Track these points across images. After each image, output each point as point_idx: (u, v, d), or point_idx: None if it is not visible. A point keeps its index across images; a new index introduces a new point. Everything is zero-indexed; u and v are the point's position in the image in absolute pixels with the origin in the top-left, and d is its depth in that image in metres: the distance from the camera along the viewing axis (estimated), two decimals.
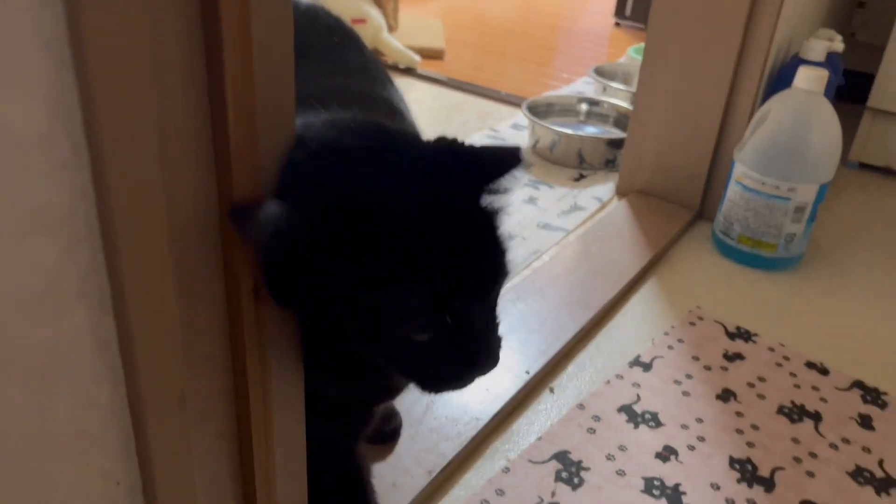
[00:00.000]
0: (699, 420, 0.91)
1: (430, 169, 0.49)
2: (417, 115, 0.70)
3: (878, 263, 1.30)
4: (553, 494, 0.79)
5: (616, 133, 1.67)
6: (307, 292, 0.47)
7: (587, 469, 0.83)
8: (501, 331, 0.53)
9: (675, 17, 1.26)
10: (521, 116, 1.71)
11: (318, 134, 0.49)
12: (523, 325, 1.03)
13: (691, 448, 0.87)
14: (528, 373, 0.94)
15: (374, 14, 2.12)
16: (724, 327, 1.09)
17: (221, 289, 0.44)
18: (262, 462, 0.51)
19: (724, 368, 1.01)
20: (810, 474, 0.85)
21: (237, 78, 0.39)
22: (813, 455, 0.87)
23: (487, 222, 0.50)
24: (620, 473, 0.83)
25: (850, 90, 1.51)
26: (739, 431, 0.90)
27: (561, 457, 0.84)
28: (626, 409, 0.92)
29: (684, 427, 0.90)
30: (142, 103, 0.35)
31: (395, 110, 0.66)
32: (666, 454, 0.86)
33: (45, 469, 0.39)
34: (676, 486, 0.82)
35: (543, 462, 0.83)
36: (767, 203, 1.18)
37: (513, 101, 1.90)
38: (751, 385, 0.98)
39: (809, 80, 1.14)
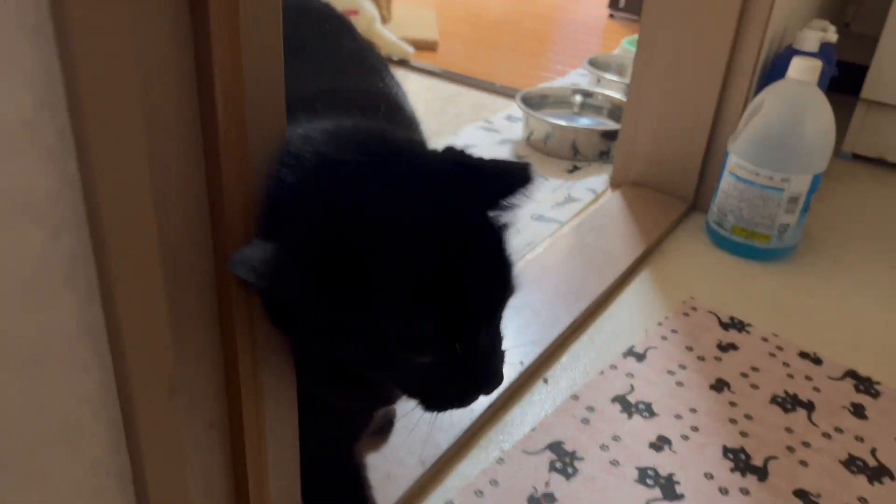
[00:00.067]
0: (693, 410, 0.91)
1: (437, 187, 0.47)
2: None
3: (871, 254, 1.31)
4: (547, 485, 0.79)
5: (610, 124, 1.67)
6: (309, 322, 0.46)
7: (581, 459, 0.83)
8: (501, 330, 0.52)
9: (669, 9, 1.25)
10: (515, 108, 1.71)
11: (315, 150, 0.47)
12: (517, 316, 1.03)
13: (685, 438, 0.87)
14: (521, 363, 0.94)
15: (367, 5, 2.11)
16: (718, 318, 1.09)
17: (211, 276, 0.44)
18: (254, 451, 0.51)
19: (718, 359, 1.01)
20: (803, 463, 0.85)
21: (225, 63, 0.39)
22: (806, 444, 0.88)
23: (495, 241, 0.49)
24: (614, 463, 0.83)
25: (843, 81, 1.51)
26: (733, 421, 0.90)
27: (555, 447, 0.84)
28: (620, 400, 0.92)
29: (678, 417, 0.90)
30: (126, 90, 0.35)
31: (394, 104, 0.64)
32: (660, 444, 0.86)
33: (34, 459, 0.39)
34: (670, 475, 0.82)
35: (537, 452, 0.83)
36: (761, 194, 1.18)
37: (507, 93, 1.89)
38: (744, 375, 0.98)
39: (803, 70, 1.14)
